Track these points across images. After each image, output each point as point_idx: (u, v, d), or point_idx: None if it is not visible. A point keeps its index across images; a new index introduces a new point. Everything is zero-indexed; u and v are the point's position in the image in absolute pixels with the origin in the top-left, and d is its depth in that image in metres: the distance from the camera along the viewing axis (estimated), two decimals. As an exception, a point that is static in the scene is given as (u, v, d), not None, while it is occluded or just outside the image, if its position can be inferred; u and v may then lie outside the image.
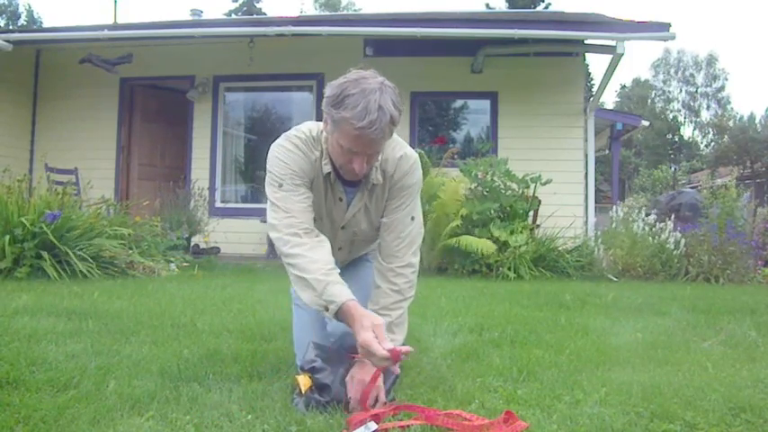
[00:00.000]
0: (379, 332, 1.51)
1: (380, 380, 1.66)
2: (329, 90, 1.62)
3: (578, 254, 5.90)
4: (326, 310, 1.60)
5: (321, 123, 1.76)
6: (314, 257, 1.65)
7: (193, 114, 8.00)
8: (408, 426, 1.49)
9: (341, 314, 1.58)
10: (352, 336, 1.57)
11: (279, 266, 5.70)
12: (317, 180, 1.80)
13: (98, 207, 5.44)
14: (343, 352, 1.75)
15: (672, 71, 42.14)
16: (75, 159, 7.76)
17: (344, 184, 1.82)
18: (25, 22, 33.34)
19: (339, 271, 1.69)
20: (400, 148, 1.83)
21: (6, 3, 33.30)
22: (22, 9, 35.18)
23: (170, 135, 8.48)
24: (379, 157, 1.76)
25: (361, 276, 2.02)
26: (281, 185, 1.73)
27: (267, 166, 1.78)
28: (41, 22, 34.90)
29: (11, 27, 28.36)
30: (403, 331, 1.84)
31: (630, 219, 6.09)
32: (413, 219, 1.86)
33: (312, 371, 1.67)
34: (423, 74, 7.39)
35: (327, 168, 1.76)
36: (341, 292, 1.59)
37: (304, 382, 1.64)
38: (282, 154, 1.75)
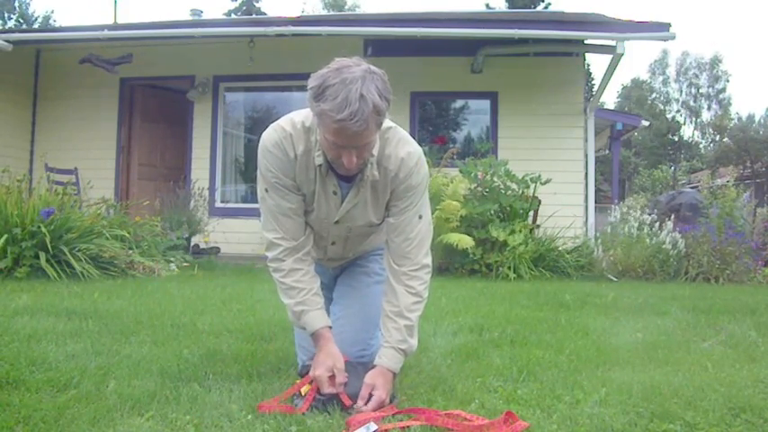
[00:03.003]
0: (338, 374, 1.64)
1: (386, 397, 1.64)
2: (311, 81, 1.53)
3: (578, 254, 5.91)
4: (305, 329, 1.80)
5: None
6: (291, 284, 1.77)
7: (193, 114, 7.99)
8: (408, 426, 1.49)
9: (314, 338, 1.76)
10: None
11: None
12: (307, 171, 1.72)
13: (98, 207, 5.44)
14: (359, 367, 1.75)
15: (673, 72, 42.12)
16: (75, 159, 7.75)
17: (339, 178, 1.73)
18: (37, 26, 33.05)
19: (317, 286, 1.80)
20: (403, 145, 1.73)
21: (17, 5, 32.87)
22: (38, 13, 34.80)
23: (170, 135, 8.46)
24: (374, 152, 1.66)
25: (366, 300, 1.95)
26: (267, 190, 1.76)
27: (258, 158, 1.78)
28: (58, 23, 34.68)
29: (12, 27, 28.25)
30: (417, 336, 1.80)
31: (627, 219, 6.09)
32: (420, 217, 1.78)
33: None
34: (423, 74, 7.36)
35: (319, 160, 1.67)
36: (314, 320, 1.75)
37: (304, 388, 1.65)
38: (266, 155, 1.72)
